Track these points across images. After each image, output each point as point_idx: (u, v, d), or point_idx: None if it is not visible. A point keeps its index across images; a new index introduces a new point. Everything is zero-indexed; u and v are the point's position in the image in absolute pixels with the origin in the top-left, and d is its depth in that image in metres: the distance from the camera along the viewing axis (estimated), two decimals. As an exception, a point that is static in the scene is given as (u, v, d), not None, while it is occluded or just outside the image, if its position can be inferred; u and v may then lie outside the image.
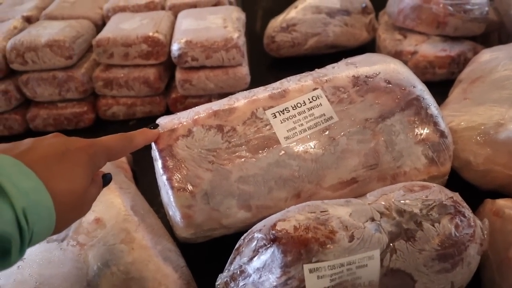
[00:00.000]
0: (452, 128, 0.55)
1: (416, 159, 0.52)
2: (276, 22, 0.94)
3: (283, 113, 0.52)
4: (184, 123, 0.51)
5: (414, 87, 0.54)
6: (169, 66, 0.77)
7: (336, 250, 0.41)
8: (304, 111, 0.52)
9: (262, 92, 0.54)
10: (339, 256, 0.41)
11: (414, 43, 0.84)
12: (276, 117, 0.51)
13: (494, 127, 0.52)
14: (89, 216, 0.50)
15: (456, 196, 0.46)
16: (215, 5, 0.86)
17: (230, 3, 0.99)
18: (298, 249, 0.41)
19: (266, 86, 0.55)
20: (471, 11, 0.80)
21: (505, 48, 0.68)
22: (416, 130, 0.52)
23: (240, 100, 0.53)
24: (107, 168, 0.57)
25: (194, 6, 0.86)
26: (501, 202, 0.49)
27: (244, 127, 0.51)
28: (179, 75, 0.74)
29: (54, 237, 0.50)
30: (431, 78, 0.83)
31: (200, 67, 0.73)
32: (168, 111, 0.80)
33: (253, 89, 0.55)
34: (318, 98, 0.53)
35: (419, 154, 0.52)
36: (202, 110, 0.53)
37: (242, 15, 0.81)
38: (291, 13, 0.92)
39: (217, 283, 0.45)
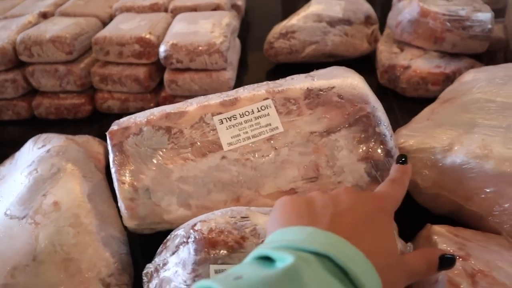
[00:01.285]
0: (405, 148, 0.54)
1: (358, 176, 0.52)
2: (277, 28, 0.95)
3: (230, 120, 0.54)
4: (138, 122, 0.55)
5: (366, 103, 0.54)
6: (161, 66, 0.81)
7: (243, 255, 0.42)
8: (251, 119, 0.54)
9: (215, 99, 0.56)
10: (244, 262, 0.42)
11: (409, 57, 0.82)
12: (222, 123, 0.54)
13: (443, 152, 0.51)
14: (49, 199, 0.55)
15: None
16: (215, 9, 0.89)
17: (237, 7, 1.02)
18: (208, 249, 0.43)
19: (222, 93, 0.58)
20: (471, 28, 0.77)
21: (491, 69, 0.65)
22: (361, 147, 0.52)
23: (193, 105, 0.56)
24: (78, 156, 0.63)
25: (194, 9, 0.89)
26: (436, 228, 0.47)
27: (191, 130, 0.54)
28: (166, 75, 0.78)
29: (17, 214, 0.55)
30: (424, 94, 0.81)
31: (185, 69, 0.77)
32: (159, 108, 0.84)
33: (209, 95, 0.58)
34: (267, 108, 0.54)
35: (361, 172, 0.52)
36: (157, 112, 0.56)
37: (234, 21, 0.83)
38: (292, 20, 0.93)
39: (144, 272, 0.48)
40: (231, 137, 0.53)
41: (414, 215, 0.56)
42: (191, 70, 0.77)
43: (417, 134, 0.55)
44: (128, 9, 0.91)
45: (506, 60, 0.84)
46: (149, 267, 0.48)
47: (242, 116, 0.54)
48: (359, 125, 0.53)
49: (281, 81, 0.58)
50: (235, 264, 0.42)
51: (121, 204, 0.53)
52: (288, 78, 0.59)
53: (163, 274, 0.46)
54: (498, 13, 0.82)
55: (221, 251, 0.43)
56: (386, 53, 0.86)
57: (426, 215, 0.56)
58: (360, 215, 0.30)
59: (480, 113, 0.54)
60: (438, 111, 0.59)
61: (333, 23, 0.92)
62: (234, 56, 0.85)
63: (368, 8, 0.94)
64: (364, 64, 0.94)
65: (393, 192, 0.37)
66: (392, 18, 0.86)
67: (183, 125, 0.54)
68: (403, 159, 0.44)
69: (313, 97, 0.55)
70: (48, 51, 0.78)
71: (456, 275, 0.40)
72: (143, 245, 0.59)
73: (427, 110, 0.61)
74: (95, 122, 0.85)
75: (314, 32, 0.91)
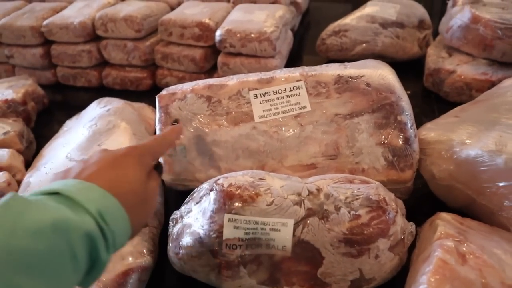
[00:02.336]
0: (426, 139, 0.57)
1: (375, 159, 0.55)
2: (332, 26, 0.99)
3: (264, 96, 0.59)
4: (184, 89, 0.62)
5: (392, 93, 0.57)
6: (216, 50, 0.89)
7: (254, 209, 0.48)
8: (283, 97, 0.59)
9: (253, 76, 0.62)
10: (254, 215, 0.47)
11: (456, 62, 0.83)
12: (257, 97, 0.59)
13: (460, 145, 0.53)
14: (97, 148, 0.64)
15: (388, 196, 0.49)
16: (273, 3, 0.95)
17: (296, 4, 1.07)
18: (224, 200, 0.49)
19: (262, 72, 0.63)
20: (523, 37, 0.76)
21: (534, 77, 0.65)
22: (380, 132, 0.55)
23: (233, 79, 0.62)
24: (131, 117, 0.72)
25: (254, 1, 0.96)
26: (442, 215, 0.50)
27: (228, 101, 0.60)
28: (220, 58, 0.86)
29: (76, 158, 0.64)
30: (467, 100, 0.79)
31: (237, 54, 0.84)
32: (210, 89, 0.91)
33: (250, 73, 0.64)
34: (298, 89, 0.59)
35: (378, 155, 0.55)
36: (202, 82, 0.63)
37: (288, 14, 0.89)
38: (346, 20, 0.97)
39: (171, 218, 0.55)
40: (263, 111, 0.58)
41: (434, 207, 0.58)
42: (242, 55, 0.84)
43: (440, 128, 0.57)
44: (195, -3, 1.00)
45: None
46: (176, 214, 0.55)
47: (275, 93, 0.59)
48: (382, 112, 0.56)
49: (316, 67, 0.63)
50: (246, 216, 0.48)
51: (160, 158, 0.61)
52: (324, 65, 0.63)
53: (186, 220, 0.52)
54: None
55: (236, 203, 0.48)
56: (434, 57, 0.87)
57: (445, 209, 0.58)
58: (106, 162, 0.39)
59: (506, 114, 0.55)
60: (467, 110, 0.60)
61: (385, 25, 0.94)
62: (284, 47, 0.90)
63: (423, 13, 0.95)
64: (412, 67, 0.95)
65: (150, 144, 0.45)
66: (444, 23, 0.87)
67: (222, 96, 0.60)
68: (176, 120, 0.56)
69: (343, 83, 0.59)
70: (120, 28, 0.89)
71: (446, 252, 0.42)
72: (178, 200, 0.66)
73: (457, 109, 0.62)
74: (153, 95, 0.95)
75: (366, 32, 0.94)
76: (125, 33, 0.89)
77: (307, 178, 0.53)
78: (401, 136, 0.55)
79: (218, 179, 0.51)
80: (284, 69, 0.64)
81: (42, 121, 0.90)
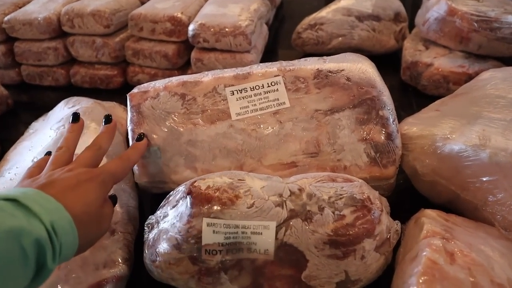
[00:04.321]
0: (407, 134, 0.55)
1: (357, 156, 0.54)
2: (307, 19, 0.97)
3: (241, 92, 0.57)
4: (156, 87, 0.59)
5: (372, 87, 0.56)
6: (190, 45, 0.85)
7: (234, 212, 0.45)
8: (260, 93, 0.57)
9: (229, 72, 0.59)
10: (234, 218, 0.45)
11: (433, 55, 0.82)
12: (233, 94, 0.57)
13: (443, 139, 0.52)
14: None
15: (372, 194, 0.47)
16: (248, -5, 0.93)
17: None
18: (202, 203, 0.46)
19: (238, 67, 0.61)
20: (499, 30, 0.76)
21: (510, 69, 0.65)
22: (362, 128, 0.54)
23: (208, 76, 0.59)
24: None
25: (228, -5, 0.93)
26: (427, 211, 0.49)
27: (203, 98, 0.57)
28: (193, 53, 0.83)
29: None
30: (445, 93, 0.81)
31: (211, 49, 0.81)
32: (184, 86, 0.88)
33: (225, 69, 0.61)
34: (276, 84, 0.57)
35: (360, 152, 0.54)
36: (175, 79, 0.60)
37: (263, 8, 0.86)
38: (322, 13, 0.95)
39: (146, 223, 0.52)
40: (240, 108, 0.56)
41: (416, 203, 0.57)
42: (217, 50, 0.81)
43: (422, 123, 0.56)
44: (166, -9, 0.96)
45: (535, 66, 0.82)
46: (151, 219, 0.52)
47: (252, 89, 0.57)
48: (363, 107, 0.55)
49: (294, 62, 0.61)
50: (226, 219, 0.45)
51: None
52: (302, 59, 0.61)
53: (162, 225, 0.49)
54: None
55: (214, 207, 0.46)
56: (410, 50, 0.86)
57: (428, 204, 0.57)
58: (70, 182, 0.41)
59: (487, 107, 0.54)
60: (447, 103, 0.60)
61: (361, 18, 0.93)
62: (259, 41, 0.88)
63: (398, 6, 0.95)
64: (389, 60, 0.95)
65: (111, 168, 0.47)
66: (420, 15, 0.86)
67: (197, 93, 0.58)
68: (141, 135, 0.55)
69: (322, 77, 0.57)
70: (88, 23, 0.85)
71: (434, 251, 0.41)
72: (153, 203, 0.63)
73: (437, 102, 0.62)
74: (125, 94, 0.90)
75: (342, 25, 0.93)
76: (93, 29, 0.85)
77: (288, 178, 0.51)
78: (383, 132, 0.53)
79: (195, 181, 0.49)
80: (261, 64, 0.61)
81: (6, 123, 0.85)
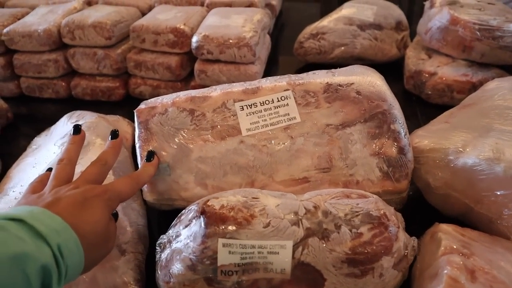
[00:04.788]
0: (419, 147, 0.55)
1: (370, 170, 0.53)
2: (309, 28, 0.97)
3: (250, 107, 0.56)
4: (164, 103, 0.58)
5: (383, 101, 0.55)
6: (192, 56, 0.85)
7: (250, 232, 0.45)
8: (271, 108, 0.56)
9: (238, 87, 0.59)
10: (250, 238, 0.44)
11: (436, 64, 0.83)
12: (243, 109, 0.56)
13: (456, 153, 0.52)
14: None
15: (388, 210, 0.47)
16: (249, 6, 0.92)
17: (271, 6, 1.04)
18: (217, 224, 0.45)
19: (246, 82, 0.60)
20: (501, 38, 0.77)
21: (517, 79, 0.65)
22: (374, 143, 0.54)
23: (217, 90, 0.59)
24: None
25: (229, 5, 0.93)
26: (443, 226, 0.48)
27: (213, 114, 0.57)
28: (197, 65, 0.82)
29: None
30: (449, 102, 0.81)
31: (215, 61, 0.80)
32: (187, 97, 0.88)
33: (233, 83, 0.60)
34: (286, 99, 0.56)
35: (373, 166, 0.53)
36: (183, 94, 0.59)
37: (266, 18, 0.86)
38: (324, 22, 0.95)
39: (157, 242, 0.51)
40: (250, 123, 0.55)
41: (428, 215, 0.57)
42: (221, 62, 0.80)
43: (432, 135, 0.56)
44: (167, 1, 0.95)
45: (537, 73, 0.83)
46: (163, 238, 0.51)
47: (262, 104, 0.56)
48: (375, 121, 0.54)
49: (302, 75, 0.60)
50: (242, 240, 0.45)
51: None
52: (310, 72, 0.61)
53: (175, 245, 0.48)
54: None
55: (230, 227, 0.45)
56: (413, 59, 0.86)
57: (439, 216, 0.56)
58: (77, 200, 0.41)
59: (498, 119, 0.54)
60: (457, 115, 0.60)
61: (363, 27, 0.93)
62: (263, 52, 0.87)
63: (399, 14, 0.95)
64: (391, 69, 0.95)
65: (119, 186, 0.46)
66: (422, 24, 0.87)
67: (206, 108, 0.57)
68: (151, 153, 0.55)
69: (332, 91, 0.57)
70: (89, 35, 0.84)
71: (455, 269, 0.40)
72: (162, 221, 0.62)
73: (446, 114, 0.62)
74: (127, 106, 0.90)
75: (344, 34, 0.93)
76: (95, 41, 0.84)
77: (301, 195, 0.51)
78: (396, 146, 0.53)
79: (208, 200, 0.48)
80: (269, 77, 0.61)
81: (7, 137, 0.83)
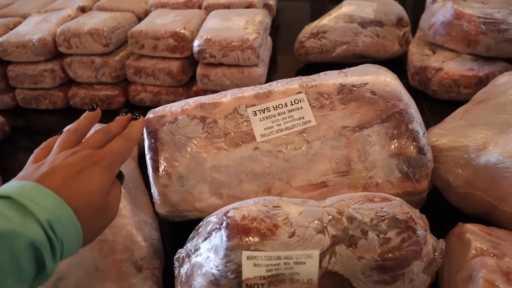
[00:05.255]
0: (437, 146, 0.54)
1: (390, 172, 0.52)
2: (309, 28, 0.96)
3: (264, 112, 0.55)
4: (173, 111, 0.56)
5: (399, 100, 0.54)
6: (194, 60, 0.83)
7: (275, 243, 0.43)
8: (284, 112, 0.54)
9: (249, 91, 0.57)
10: (276, 249, 0.43)
11: (441, 59, 0.82)
12: (256, 115, 0.55)
13: (477, 150, 0.51)
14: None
15: (414, 213, 0.46)
16: (248, 7, 0.90)
17: (269, 7, 1.03)
18: (240, 236, 0.44)
19: (256, 86, 0.59)
20: (507, 31, 0.76)
21: (527, 72, 0.64)
22: (393, 143, 0.52)
23: (227, 96, 0.57)
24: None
25: (228, 7, 0.91)
26: (468, 226, 0.47)
27: (225, 120, 0.55)
28: (199, 69, 0.80)
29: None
30: (456, 97, 0.80)
31: (218, 64, 0.78)
32: (190, 103, 0.85)
33: (243, 88, 0.59)
34: (300, 102, 0.55)
35: (393, 167, 0.52)
36: (192, 102, 0.57)
37: (267, 19, 0.85)
38: (324, 20, 0.94)
39: (175, 257, 0.49)
40: (264, 129, 0.54)
41: (446, 214, 0.56)
42: (224, 65, 0.78)
43: (450, 133, 0.55)
44: (163, 5, 0.93)
45: (542, 65, 0.83)
46: (181, 252, 0.49)
47: (275, 108, 0.55)
48: (392, 122, 0.53)
49: (314, 76, 0.59)
50: (267, 251, 0.43)
51: (154, 190, 0.54)
52: (321, 73, 0.60)
53: (195, 259, 0.47)
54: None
55: (254, 238, 0.43)
56: (417, 55, 0.85)
57: (457, 215, 0.55)
58: (72, 169, 0.39)
59: (516, 114, 0.53)
60: (472, 112, 0.59)
61: (364, 24, 0.92)
62: (266, 53, 0.86)
63: (400, 10, 0.94)
64: (394, 66, 0.92)
65: (117, 148, 0.44)
66: (425, 20, 0.86)
67: (218, 115, 0.55)
68: (136, 115, 0.52)
69: (346, 92, 0.55)
70: (86, 43, 0.81)
71: (490, 272, 0.39)
72: (173, 232, 0.60)
73: (460, 111, 0.61)
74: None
75: (345, 32, 0.92)
76: (92, 49, 0.81)
77: (323, 201, 0.49)
78: (415, 146, 0.52)
79: (228, 211, 0.46)
80: (279, 80, 0.59)
81: (5, 151, 0.80)
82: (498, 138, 0.50)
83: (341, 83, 0.56)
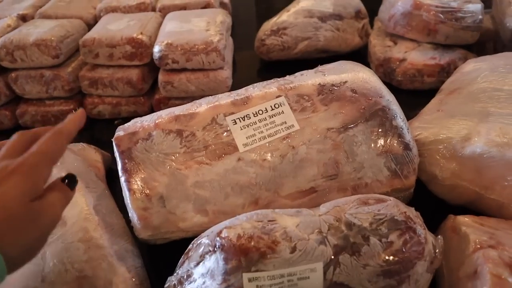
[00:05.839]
0: (420, 140, 0.54)
1: (378, 171, 0.51)
2: (268, 25, 0.93)
3: (244, 120, 0.52)
4: (146, 126, 0.52)
5: (381, 97, 0.53)
6: (154, 67, 0.78)
7: (277, 261, 0.41)
8: (265, 118, 0.52)
9: (225, 98, 0.54)
10: (279, 267, 0.40)
11: (403, 50, 0.83)
12: (236, 123, 0.52)
13: (461, 142, 0.51)
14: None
15: (410, 212, 0.45)
16: (205, 7, 0.86)
17: (224, 5, 0.99)
18: (239, 257, 0.41)
19: (231, 92, 0.56)
20: (463, 19, 0.78)
21: (490, 58, 0.66)
22: (379, 142, 0.51)
23: (202, 105, 0.53)
24: (77, 167, 0.59)
25: (184, 8, 0.86)
26: (461, 219, 0.47)
27: (203, 132, 0.51)
28: (161, 76, 0.75)
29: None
30: (420, 87, 0.82)
31: (181, 70, 0.74)
32: (152, 111, 0.80)
33: (218, 95, 0.55)
34: (281, 106, 0.53)
35: (381, 166, 0.51)
36: (165, 114, 0.53)
37: (228, 18, 0.81)
38: (283, 17, 0.92)
39: (165, 286, 0.45)
40: (246, 138, 0.51)
41: (430, 207, 0.56)
42: (187, 70, 0.74)
43: (431, 126, 0.55)
44: (114, 9, 0.87)
45: (495, 50, 0.86)
46: (171, 280, 0.45)
47: (255, 115, 0.52)
48: (376, 119, 0.52)
49: (290, 78, 0.57)
50: (269, 270, 0.40)
51: (133, 214, 0.50)
52: (297, 74, 0.58)
53: (189, 286, 0.43)
54: (485, 4, 0.83)
55: (254, 258, 0.40)
56: (379, 47, 0.86)
57: (439, 206, 0.56)
58: None
59: (490, 102, 0.54)
60: (447, 102, 0.59)
61: (324, 18, 0.91)
62: (229, 55, 0.83)
63: (357, 3, 0.94)
64: (356, 58, 0.92)
65: (42, 147, 0.38)
66: (384, 11, 0.86)
67: (195, 127, 0.52)
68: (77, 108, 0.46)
69: (327, 92, 0.54)
70: (32, 56, 0.74)
71: (496, 266, 0.39)
72: (154, 256, 0.56)
73: (434, 102, 0.61)
74: (85, 129, 0.79)
75: (306, 28, 0.90)
76: (40, 61, 0.74)
77: (317, 209, 0.47)
78: (401, 142, 0.51)
79: (221, 231, 0.43)
80: (255, 84, 0.56)
81: None
82: (480, 128, 0.51)
83: (320, 83, 0.54)
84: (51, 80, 0.75)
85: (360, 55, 0.95)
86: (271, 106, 0.52)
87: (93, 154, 0.66)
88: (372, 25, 0.97)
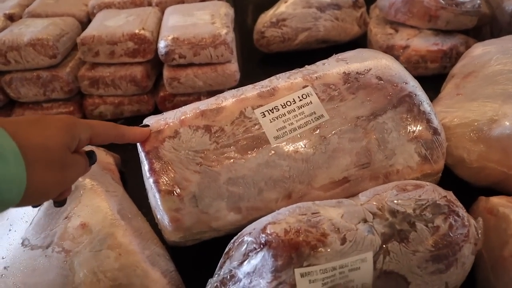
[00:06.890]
0: (445, 124, 0.54)
1: (409, 157, 0.51)
2: (266, 17, 0.92)
3: (272, 112, 0.50)
4: (171, 124, 0.50)
5: (406, 83, 0.53)
6: (156, 63, 0.75)
7: (328, 253, 0.40)
8: (294, 109, 0.51)
9: (250, 91, 0.52)
10: (331, 260, 0.40)
11: (406, 37, 0.83)
12: (265, 116, 0.50)
13: (488, 124, 0.51)
14: (75, 221, 0.49)
15: (450, 195, 0.45)
16: (203, 0, 0.84)
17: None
18: (289, 253, 0.40)
19: (255, 84, 0.54)
20: (463, 4, 0.79)
21: (498, 42, 0.67)
22: (409, 128, 0.51)
23: (228, 99, 0.52)
24: (92, 171, 0.56)
25: (181, 1, 0.84)
26: (495, 200, 0.48)
27: (232, 127, 0.50)
28: (166, 73, 0.73)
29: (39, 243, 0.48)
30: (423, 73, 0.82)
31: (188, 65, 0.72)
32: (156, 110, 0.78)
33: (241, 88, 0.54)
34: (308, 96, 0.51)
35: (412, 152, 0.51)
36: (189, 110, 0.51)
37: (231, 11, 0.79)
38: (281, 8, 0.91)
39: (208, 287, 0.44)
40: (277, 130, 0.50)
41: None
42: (194, 65, 0.72)
43: (454, 110, 0.56)
44: (108, 5, 0.83)
45: (492, 34, 0.88)
46: (213, 282, 0.43)
47: (284, 106, 0.51)
48: (404, 106, 0.52)
49: (313, 67, 0.56)
50: (321, 264, 0.39)
51: (163, 216, 0.48)
52: (319, 63, 0.57)
53: (233, 287, 0.42)
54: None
55: (305, 253, 0.39)
56: (381, 35, 0.86)
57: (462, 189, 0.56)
58: (31, 116, 0.38)
59: (510, 84, 0.55)
60: (464, 86, 0.60)
61: (322, 8, 0.90)
62: (235, 48, 0.80)
63: (354, -9, 0.94)
64: (356, 47, 0.93)
65: (94, 122, 0.42)
66: (384, -1, 0.87)
67: (223, 122, 0.50)
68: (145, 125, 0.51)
69: (352, 81, 0.53)
70: (27, 56, 0.69)
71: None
72: (183, 258, 0.54)
73: (450, 86, 0.61)
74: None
75: (305, 18, 0.89)
76: (36, 62, 0.70)
77: (356, 198, 0.47)
78: (430, 127, 0.51)
79: (265, 228, 0.42)
80: (280, 75, 0.55)
81: None
82: (505, 109, 0.51)
83: (344, 72, 0.53)
84: (49, 81, 0.72)
85: (360, 44, 0.95)
86: (298, 97, 0.51)
87: (105, 156, 0.63)
88: (368, 14, 0.97)
